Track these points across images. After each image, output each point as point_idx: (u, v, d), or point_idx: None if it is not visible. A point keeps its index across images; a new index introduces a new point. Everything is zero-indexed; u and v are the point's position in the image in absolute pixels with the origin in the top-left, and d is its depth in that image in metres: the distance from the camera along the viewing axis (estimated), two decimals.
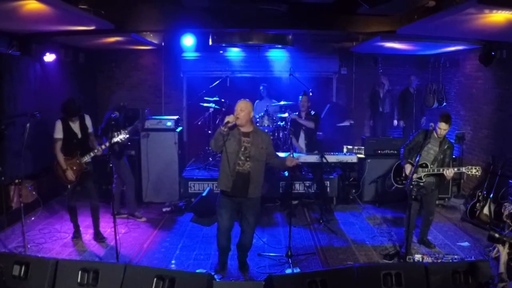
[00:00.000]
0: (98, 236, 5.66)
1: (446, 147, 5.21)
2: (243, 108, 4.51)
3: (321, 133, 7.95)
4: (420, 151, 5.15)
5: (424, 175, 5.15)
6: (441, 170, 5.08)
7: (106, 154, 5.36)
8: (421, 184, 5.16)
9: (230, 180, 4.52)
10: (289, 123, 7.31)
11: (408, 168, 5.26)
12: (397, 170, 5.54)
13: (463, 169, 5.06)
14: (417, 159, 5.04)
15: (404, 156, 5.39)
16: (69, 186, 5.44)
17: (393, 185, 5.37)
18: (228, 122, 4.40)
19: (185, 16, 6.23)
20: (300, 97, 7.14)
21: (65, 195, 5.87)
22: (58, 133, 5.32)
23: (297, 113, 7.25)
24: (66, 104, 5.38)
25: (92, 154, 5.38)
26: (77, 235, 5.70)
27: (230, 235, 4.75)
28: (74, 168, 5.34)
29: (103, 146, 5.36)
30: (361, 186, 7.35)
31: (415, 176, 5.18)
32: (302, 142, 7.20)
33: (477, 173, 4.96)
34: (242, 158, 4.54)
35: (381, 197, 7.23)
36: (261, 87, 8.66)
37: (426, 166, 5.16)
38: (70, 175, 5.32)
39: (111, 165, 5.09)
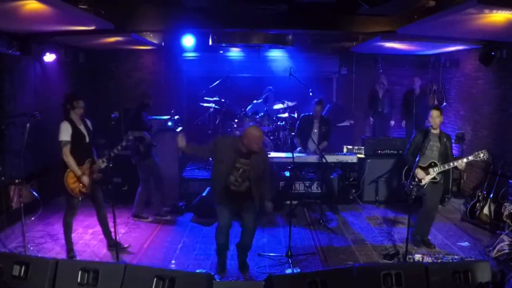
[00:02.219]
0: (113, 246, 5.08)
1: (445, 139, 5.33)
2: (258, 139, 4.38)
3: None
4: (423, 151, 5.22)
5: (438, 174, 5.26)
6: (451, 164, 5.21)
7: (130, 154, 5.10)
8: (421, 184, 5.21)
9: (225, 199, 4.53)
10: (298, 123, 7.24)
11: (420, 172, 5.31)
12: (408, 175, 5.55)
13: (471, 157, 5.13)
14: (417, 159, 5.09)
15: (409, 160, 5.47)
16: (80, 199, 4.93)
17: (411, 189, 5.22)
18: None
19: (185, 16, 6.24)
20: (315, 106, 6.96)
21: (62, 202, 5.22)
22: (66, 135, 4.74)
23: (311, 113, 7.08)
24: (73, 94, 5.02)
25: (112, 154, 4.94)
26: (72, 254, 5.08)
27: (229, 233, 4.72)
28: (88, 176, 4.88)
29: (119, 147, 5.05)
30: (361, 186, 7.35)
31: (428, 177, 5.28)
32: (313, 144, 7.01)
33: (484, 157, 5.05)
34: (239, 179, 4.47)
35: (381, 197, 7.23)
36: (270, 89, 8.49)
37: (436, 165, 5.26)
38: (86, 182, 4.85)
39: (111, 165, 5.02)
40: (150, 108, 6.61)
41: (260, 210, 4.77)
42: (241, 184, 4.48)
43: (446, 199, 7.29)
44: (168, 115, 7.31)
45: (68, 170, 4.80)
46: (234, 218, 4.75)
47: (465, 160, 5.16)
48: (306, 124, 7.06)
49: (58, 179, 4.85)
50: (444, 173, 5.42)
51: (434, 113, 5.32)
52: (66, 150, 4.75)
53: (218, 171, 4.53)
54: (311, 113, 7.10)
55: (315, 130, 6.97)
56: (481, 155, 5.04)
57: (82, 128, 4.98)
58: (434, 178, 5.27)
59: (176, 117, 7.54)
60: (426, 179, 5.30)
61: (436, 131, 5.38)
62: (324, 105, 7.16)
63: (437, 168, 5.25)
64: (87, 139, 5.00)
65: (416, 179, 5.30)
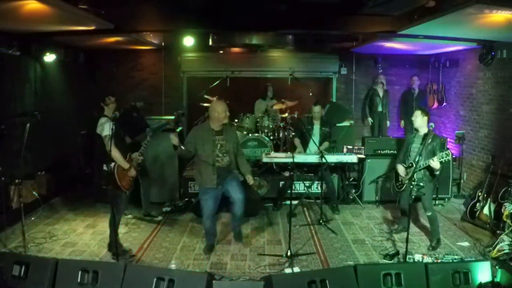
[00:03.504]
0: (113, 248, 4.91)
1: (430, 140, 5.23)
2: (226, 110, 4.94)
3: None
4: (408, 152, 5.44)
5: (413, 173, 5.21)
6: (422, 165, 5.15)
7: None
8: (421, 184, 5.21)
9: (214, 177, 4.93)
10: (301, 123, 7.22)
11: (400, 169, 5.50)
12: (397, 175, 5.64)
13: (436, 158, 5.04)
14: (417, 159, 5.09)
15: (399, 159, 5.66)
16: (127, 193, 5.04)
17: (411, 189, 5.18)
18: (174, 145, 4.76)
19: (185, 16, 6.23)
20: (313, 107, 6.91)
21: (107, 202, 5.14)
22: (109, 130, 4.72)
23: (310, 115, 7.02)
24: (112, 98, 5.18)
25: (143, 150, 5.13)
26: (127, 253, 5.10)
27: (215, 218, 5.35)
28: (132, 170, 5.02)
29: (146, 142, 5.23)
30: (361, 186, 7.35)
31: (406, 177, 5.36)
32: (313, 146, 6.86)
33: (447, 157, 5.00)
34: (220, 154, 4.96)
35: (381, 197, 7.24)
36: (268, 86, 8.50)
37: (412, 165, 5.24)
38: (134, 174, 5.02)
39: (111, 165, 5.03)
40: (138, 109, 6.67)
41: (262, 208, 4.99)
42: (223, 159, 4.97)
43: (446, 199, 7.30)
44: (168, 115, 7.31)
45: (115, 165, 4.84)
46: (218, 201, 5.17)
47: (432, 160, 5.07)
48: (306, 126, 7.00)
49: (103, 177, 4.90)
50: (429, 174, 5.32)
51: (415, 113, 5.41)
52: (110, 144, 4.73)
53: (204, 153, 4.92)
54: (310, 114, 7.06)
55: (316, 132, 6.91)
56: (444, 156, 4.99)
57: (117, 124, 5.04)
58: (410, 179, 5.18)
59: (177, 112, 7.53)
60: (405, 179, 5.41)
61: (422, 132, 5.39)
62: (322, 105, 7.08)
63: (412, 169, 5.20)
64: (122, 135, 5.21)
65: (399, 178, 5.53)
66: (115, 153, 4.81)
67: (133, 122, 6.41)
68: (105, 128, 4.84)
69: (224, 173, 5.03)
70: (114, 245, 4.84)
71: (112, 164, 4.84)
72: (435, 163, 5.06)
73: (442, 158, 5.00)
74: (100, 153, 4.91)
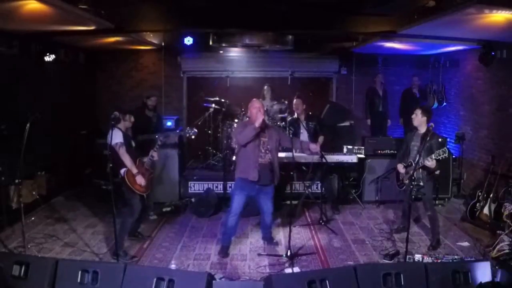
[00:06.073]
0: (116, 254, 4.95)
1: (428, 138, 5.18)
2: (262, 107, 5.13)
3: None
4: (408, 151, 5.44)
5: (412, 173, 5.17)
6: (420, 163, 5.11)
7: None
8: (421, 184, 5.20)
9: (256, 170, 5.06)
10: (288, 124, 7.23)
11: (400, 168, 5.50)
12: (398, 174, 5.64)
13: (434, 156, 5.00)
14: (417, 159, 5.08)
15: (398, 158, 5.69)
16: (144, 195, 5.21)
17: (411, 189, 5.15)
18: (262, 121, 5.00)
19: (185, 16, 6.23)
20: (294, 102, 6.84)
21: (121, 209, 5.30)
22: (120, 138, 4.93)
23: (295, 116, 7.00)
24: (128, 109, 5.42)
25: (153, 155, 5.27)
26: (126, 257, 5.03)
27: (239, 218, 5.29)
28: (143, 173, 5.12)
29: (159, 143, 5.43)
30: (361, 186, 7.35)
31: (406, 176, 5.34)
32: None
33: (444, 154, 4.96)
34: (263, 151, 5.13)
35: (381, 197, 7.24)
36: (265, 87, 8.54)
37: (412, 164, 5.22)
38: (141, 180, 5.04)
39: (111, 165, 5.03)
40: (147, 106, 6.83)
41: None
42: (265, 155, 5.14)
43: (446, 199, 7.30)
44: (168, 115, 7.32)
45: (126, 171, 5.01)
46: (246, 203, 5.32)
47: (429, 159, 5.03)
48: (293, 125, 6.93)
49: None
50: (426, 173, 5.31)
51: (415, 111, 5.40)
52: (122, 152, 4.97)
53: (248, 147, 5.07)
54: (294, 116, 6.99)
55: (303, 129, 6.79)
56: (441, 153, 4.95)
57: (127, 131, 5.23)
58: (411, 178, 5.11)
59: (176, 117, 7.53)
60: (405, 178, 5.40)
61: (421, 131, 5.37)
62: (303, 99, 6.90)
63: (411, 168, 5.17)
64: (133, 142, 5.30)
65: (400, 177, 5.53)
66: (128, 161, 4.98)
67: (143, 121, 6.51)
68: (115, 136, 4.87)
69: (265, 172, 5.13)
70: (117, 244, 4.87)
71: (123, 170, 4.97)
72: (430, 163, 5.05)
73: (439, 155, 4.96)
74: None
